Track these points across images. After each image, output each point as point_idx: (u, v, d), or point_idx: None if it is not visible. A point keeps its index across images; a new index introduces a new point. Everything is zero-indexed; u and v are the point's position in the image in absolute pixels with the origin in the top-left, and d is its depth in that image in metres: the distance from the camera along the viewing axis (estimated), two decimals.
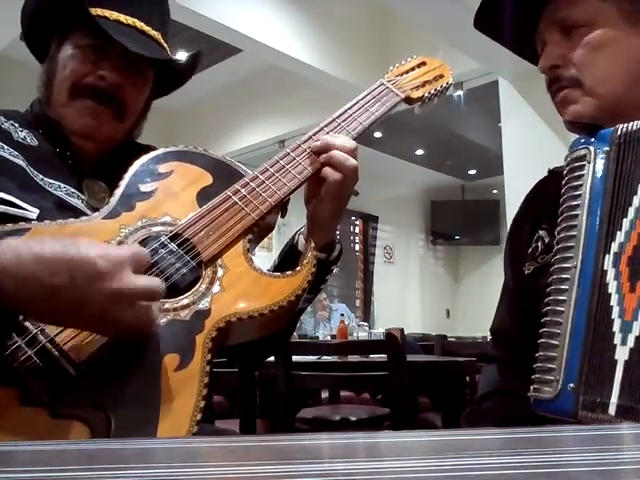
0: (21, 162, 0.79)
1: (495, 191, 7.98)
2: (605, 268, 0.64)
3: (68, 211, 0.79)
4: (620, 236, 0.64)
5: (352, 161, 0.80)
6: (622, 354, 0.61)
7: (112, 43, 0.84)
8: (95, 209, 0.81)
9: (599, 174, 0.67)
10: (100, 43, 0.86)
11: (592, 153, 0.68)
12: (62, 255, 0.59)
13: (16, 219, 0.72)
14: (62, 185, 0.82)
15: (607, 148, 0.67)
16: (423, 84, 0.93)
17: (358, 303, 7.94)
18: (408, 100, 0.91)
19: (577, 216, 0.67)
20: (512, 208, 3.95)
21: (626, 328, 0.61)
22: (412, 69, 0.95)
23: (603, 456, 0.28)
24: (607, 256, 0.64)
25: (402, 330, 1.84)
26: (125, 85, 0.88)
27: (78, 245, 0.60)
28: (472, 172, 8.24)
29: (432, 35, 3.72)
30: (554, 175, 0.88)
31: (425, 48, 4.00)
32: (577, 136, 0.79)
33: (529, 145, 3.94)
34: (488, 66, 4.01)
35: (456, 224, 8.59)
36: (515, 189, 3.93)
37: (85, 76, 0.86)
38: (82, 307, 0.59)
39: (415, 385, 1.95)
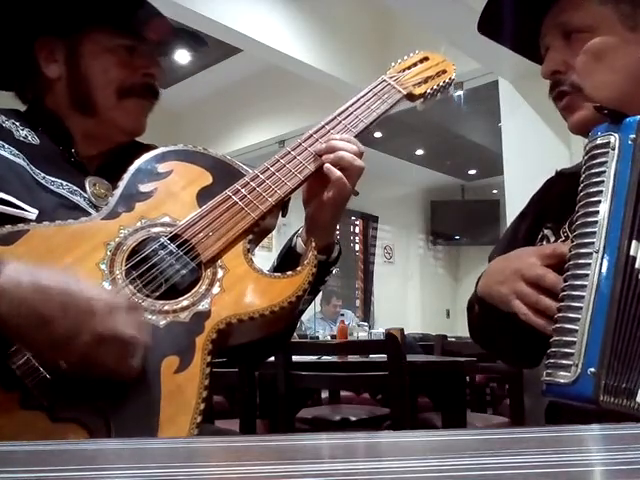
0: (22, 161, 0.79)
1: (495, 191, 7.98)
2: (633, 254, 0.63)
3: (69, 210, 0.79)
4: None
5: (359, 162, 0.80)
6: None
7: (143, 38, 0.87)
8: (97, 207, 0.81)
9: (624, 160, 0.66)
10: (132, 42, 0.87)
11: (617, 140, 0.67)
12: (61, 287, 0.60)
13: (15, 220, 0.71)
14: (64, 183, 0.82)
15: (633, 135, 0.66)
16: (425, 80, 0.92)
17: (358, 303, 7.93)
18: (410, 97, 0.91)
19: (599, 202, 0.66)
20: (512, 208, 3.95)
21: None
22: (414, 64, 0.94)
23: (604, 456, 0.28)
24: (635, 242, 0.63)
25: (402, 330, 1.84)
26: (160, 75, 0.91)
27: (79, 283, 0.62)
28: (472, 172, 8.24)
29: (432, 35, 3.71)
30: (561, 176, 0.89)
31: (425, 48, 3.98)
32: (578, 137, 0.79)
33: (529, 145, 3.94)
34: (488, 66, 4.00)
35: (456, 224, 8.58)
36: (515, 189, 3.93)
37: (129, 76, 0.86)
38: (68, 342, 0.59)
39: (415, 385, 1.95)
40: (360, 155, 0.82)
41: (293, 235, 0.90)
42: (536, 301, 0.69)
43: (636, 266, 0.63)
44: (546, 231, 0.84)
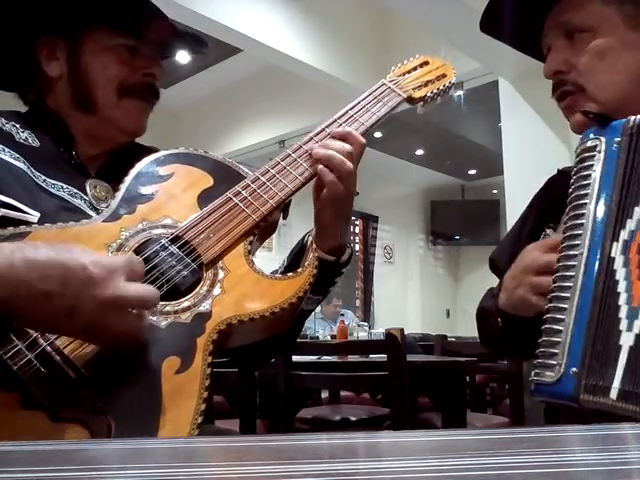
0: (22, 164, 0.79)
1: (495, 191, 7.98)
2: (613, 255, 0.64)
3: (70, 212, 0.79)
4: (631, 224, 0.65)
5: (348, 164, 0.79)
6: (627, 340, 0.62)
7: (144, 39, 0.87)
8: (98, 209, 0.81)
9: (609, 163, 0.67)
10: (133, 42, 0.87)
11: (603, 143, 0.69)
12: (55, 261, 0.59)
13: (17, 222, 0.71)
14: (65, 186, 0.82)
15: (618, 138, 0.68)
16: (425, 84, 0.92)
17: (358, 303, 7.93)
18: (410, 100, 0.91)
19: (585, 205, 0.67)
20: (512, 208, 3.95)
21: (632, 315, 0.62)
22: (414, 69, 0.94)
23: (604, 456, 0.28)
24: (615, 244, 0.65)
25: (402, 330, 1.84)
26: (160, 75, 0.91)
27: (71, 252, 0.60)
28: (472, 172, 8.24)
29: (432, 35, 3.71)
30: (562, 175, 0.89)
31: (425, 48, 3.99)
32: (578, 136, 0.79)
33: (529, 145, 3.94)
34: (488, 66, 4.01)
35: (456, 224, 8.58)
36: (515, 189, 3.93)
37: (129, 75, 0.86)
38: (73, 314, 0.58)
39: (415, 385, 1.95)
40: (351, 154, 0.80)
41: (306, 234, 0.90)
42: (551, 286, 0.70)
43: (614, 267, 0.64)
44: (548, 231, 0.85)
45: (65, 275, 0.58)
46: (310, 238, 0.88)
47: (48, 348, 0.61)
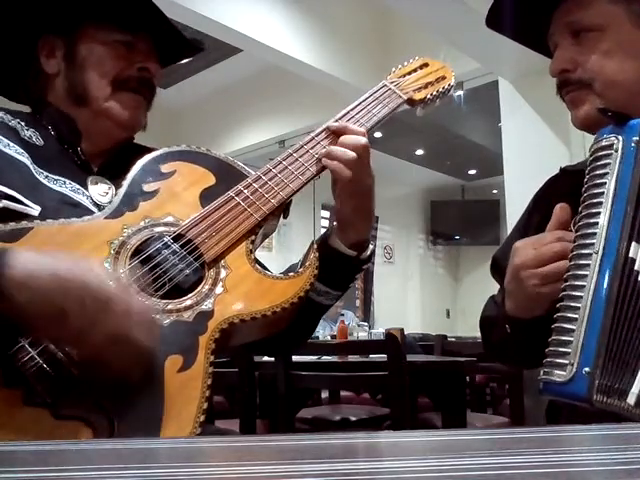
0: (26, 160, 0.80)
1: (495, 191, 7.98)
2: (632, 256, 0.63)
3: (72, 207, 0.79)
4: None
5: (349, 153, 0.80)
6: None
7: (141, 36, 0.87)
8: (100, 206, 0.82)
9: (627, 163, 0.66)
10: (130, 38, 0.88)
11: (620, 142, 0.67)
12: (79, 280, 0.60)
13: (18, 215, 0.72)
14: (67, 181, 0.82)
15: (636, 137, 0.67)
16: (425, 85, 0.93)
17: (358, 303, 7.93)
18: (410, 102, 0.92)
19: (600, 204, 0.66)
20: (512, 208, 3.95)
21: None
22: (414, 70, 0.95)
23: (604, 456, 0.28)
24: (635, 244, 0.64)
25: (402, 330, 1.84)
26: (156, 72, 0.91)
27: (99, 277, 0.62)
28: (472, 172, 8.24)
29: (432, 35, 3.71)
30: (565, 174, 0.89)
31: (425, 48, 4.00)
32: (579, 134, 0.79)
33: (529, 145, 3.94)
34: (488, 66, 4.00)
35: (456, 224, 8.59)
36: (515, 189, 3.93)
37: (125, 69, 0.87)
38: (81, 337, 0.60)
39: (415, 385, 1.95)
40: (354, 144, 0.81)
41: (325, 232, 0.90)
42: (552, 271, 0.70)
43: (635, 268, 0.63)
44: None
45: (85, 298, 0.60)
46: (334, 235, 0.87)
47: (51, 345, 0.62)
